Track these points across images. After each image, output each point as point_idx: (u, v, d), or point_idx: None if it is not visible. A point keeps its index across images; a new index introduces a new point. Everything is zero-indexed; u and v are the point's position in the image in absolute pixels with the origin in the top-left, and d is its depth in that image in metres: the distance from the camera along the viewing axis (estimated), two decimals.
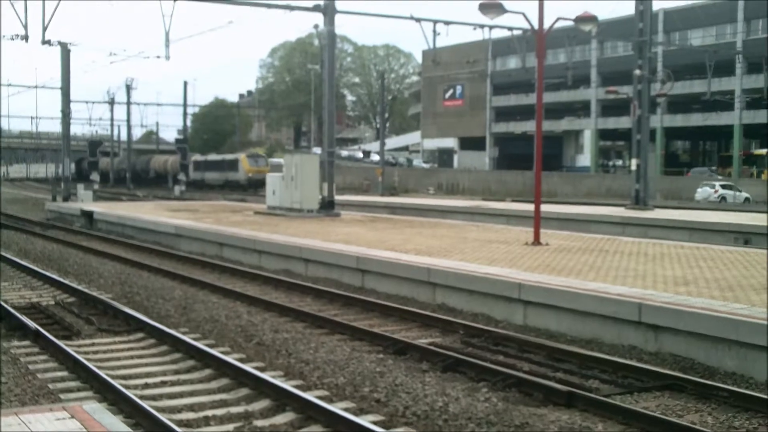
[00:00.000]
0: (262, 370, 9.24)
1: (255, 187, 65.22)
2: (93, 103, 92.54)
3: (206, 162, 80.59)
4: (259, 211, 30.50)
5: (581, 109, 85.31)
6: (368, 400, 8.21)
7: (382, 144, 67.35)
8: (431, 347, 10.29)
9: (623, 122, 67.44)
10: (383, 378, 8.93)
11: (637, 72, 34.78)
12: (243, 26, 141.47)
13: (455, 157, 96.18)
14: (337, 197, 32.14)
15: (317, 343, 10.73)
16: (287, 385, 8.34)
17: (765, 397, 8.14)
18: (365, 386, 8.64)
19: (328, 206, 28.74)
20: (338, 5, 29.08)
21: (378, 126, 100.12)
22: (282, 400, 8.07)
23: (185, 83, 78.50)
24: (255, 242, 19.68)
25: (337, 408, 7.61)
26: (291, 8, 29.23)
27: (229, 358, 9.44)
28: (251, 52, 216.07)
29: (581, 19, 20.45)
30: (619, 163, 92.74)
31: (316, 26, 33.57)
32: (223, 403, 8.14)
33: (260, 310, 13.23)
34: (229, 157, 78.50)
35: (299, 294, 14.95)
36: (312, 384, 8.84)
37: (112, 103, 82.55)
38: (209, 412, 7.78)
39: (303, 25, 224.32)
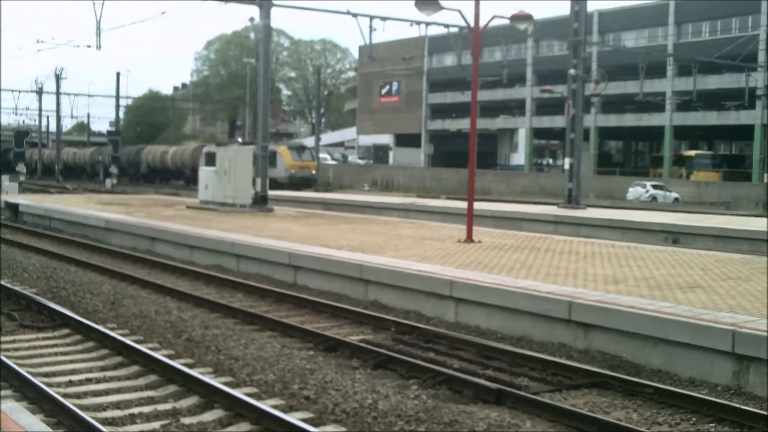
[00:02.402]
0: (191, 366, 9.11)
1: (299, 186, 54.22)
2: (19, 92, 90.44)
3: None
4: (192, 205, 30.17)
5: (516, 107, 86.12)
6: (298, 398, 8.15)
7: (318, 139, 67.36)
8: (362, 344, 10.26)
9: (558, 121, 68.26)
10: (313, 375, 8.88)
11: (572, 72, 35.17)
12: (178, 18, 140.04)
13: (391, 154, 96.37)
14: (271, 192, 31.95)
15: (248, 339, 10.63)
16: (216, 382, 8.24)
17: (688, 393, 8.30)
18: (295, 383, 8.57)
19: (261, 201, 28.55)
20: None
21: (313, 121, 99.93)
22: (210, 397, 7.96)
23: (118, 74, 77.12)
24: (186, 237, 19.44)
25: (265, 405, 7.53)
26: (226, 0, 28.95)
27: (157, 355, 9.29)
28: (186, 45, 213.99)
29: (517, 18, 20.57)
30: (555, 161, 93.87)
31: (251, 19, 33.25)
32: (151, 401, 8.00)
33: (191, 305, 13.06)
34: None
35: (230, 290, 14.81)
36: (241, 381, 8.75)
37: (40, 92, 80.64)
38: (135, 410, 7.63)
39: (239, 17, 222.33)
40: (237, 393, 7.87)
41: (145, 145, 77.70)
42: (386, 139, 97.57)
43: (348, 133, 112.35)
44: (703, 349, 9.09)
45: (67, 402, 7.42)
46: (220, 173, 28.07)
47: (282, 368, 9.14)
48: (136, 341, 10.14)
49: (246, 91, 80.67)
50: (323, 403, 7.94)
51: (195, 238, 19.10)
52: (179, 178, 66.96)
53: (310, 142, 76.23)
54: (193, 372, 8.60)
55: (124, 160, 73.00)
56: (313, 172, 59.33)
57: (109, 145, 70.82)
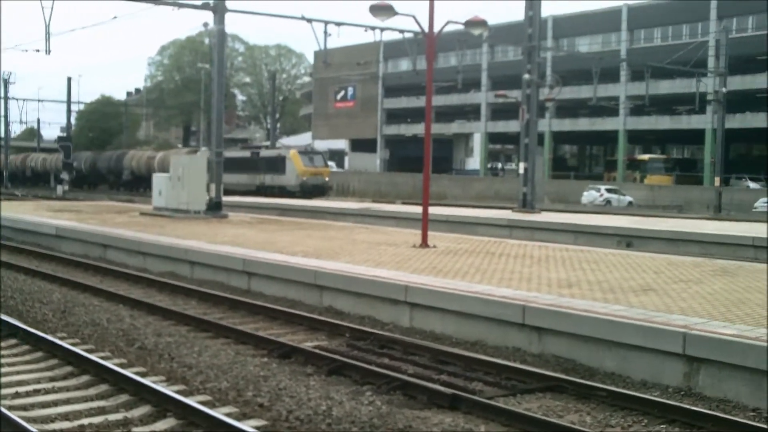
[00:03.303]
0: (143, 375, 8.98)
1: (310, 195, 49.62)
2: None
3: (225, 160, 64.60)
4: (146, 212, 29.87)
5: (472, 112, 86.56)
6: (251, 405, 8.07)
7: (273, 145, 66.95)
8: (317, 350, 10.21)
9: (512, 126, 68.72)
10: (267, 382, 8.82)
11: (526, 77, 35.42)
12: (130, 22, 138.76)
13: (346, 159, 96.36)
14: (226, 198, 31.76)
15: (201, 346, 10.53)
16: (169, 391, 8.13)
17: (640, 395, 8.36)
18: (249, 390, 8.50)
19: (215, 207, 28.35)
20: (229, 4, 28.74)
21: (269, 126, 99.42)
22: (163, 405, 7.85)
23: (69, 79, 76.08)
24: (140, 244, 19.23)
25: (219, 413, 7.45)
26: (180, 5, 28.73)
27: (108, 364, 9.14)
28: (140, 49, 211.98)
29: (471, 23, 20.65)
30: (510, 166, 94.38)
31: (206, 24, 33.15)
32: (101, 411, 7.86)
33: (143, 313, 12.91)
34: (268, 152, 58.13)
35: (184, 297, 14.66)
36: (194, 389, 8.64)
37: None
38: (85, 421, 7.50)
39: (193, 22, 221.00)
40: (190, 401, 7.77)
41: (127, 149, 74.35)
42: (342, 144, 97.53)
43: (303, 139, 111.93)
44: (655, 351, 9.17)
45: (12, 414, 7.25)
46: (174, 179, 27.84)
47: (236, 375, 9.06)
48: (86, 350, 9.98)
49: (200, 97, 79.99)
50: (277, 410, 7.88)
51: (148, 245, 18.90)
52: None
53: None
54: (146, 380, 8.48)
55: (103, 167, 69.62)
56: (327, 179, 55.28)
57: (60, 151, 69.46)
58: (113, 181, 68.01)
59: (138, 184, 63.80)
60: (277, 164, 54.36)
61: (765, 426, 7.52)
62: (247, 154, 58.78)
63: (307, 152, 56.13)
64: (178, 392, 8.20)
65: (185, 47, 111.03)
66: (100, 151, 76.48)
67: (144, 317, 12.53)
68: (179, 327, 11.93)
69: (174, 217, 27.05)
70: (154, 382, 8.49)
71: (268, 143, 71.05)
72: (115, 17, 67.93)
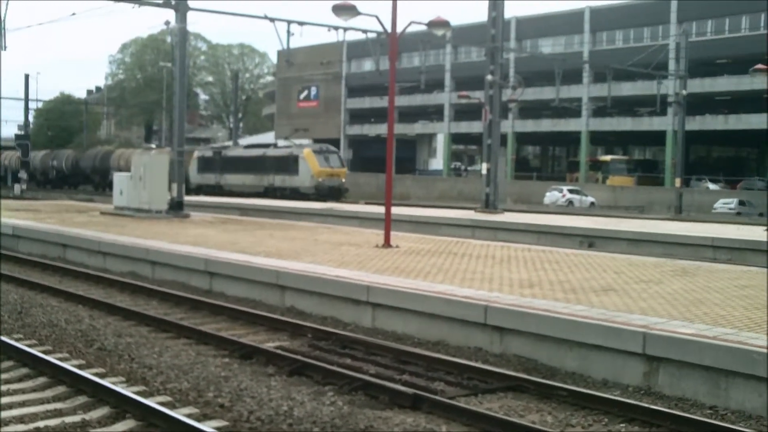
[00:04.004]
0: (102, 376, 8.87)
1: (326, 198, 46.70)
2: None
3: (228, 159, 56.32)
4: (106, 211, 29.58)
5: (435, 113, 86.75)
6: (212, 406, 8.01)
7: (236, 144, 66.58)
8: (278, 351, 10.16)
9: (475, 126, 68.84)
10: (228, 382, 8.76)
11: (489, 77, 35.58)
12: (90, 19, 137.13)
13: None
14: (187, 198, 31.54)
15: (162, 347, 10.44)
16: (128, 392, 8.04)
17: (601, 395, 8.41)
18: (209, 391, 8.44)
19: (177, 207, 28.15)
20: (191, 3, 28.52)
21: (231, 126, 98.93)
22: (122, 407, 7.77)
23: (27, 76, 75.15)
24: (100, 243, 19.03)
25: (179, 414, 7.38)
26: (141, 3, 28.49)
27: (66, 365, 9.02)
28: (100, 47, 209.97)
29: (434, 24, 20.71)
30: (473, 166, 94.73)
31: (167, 23, 32.90)
32: (58, 413, 7.75)
33: (103, 313, 12.77)
34: (278, 150, 53.64)
35: (145, 297, 14.54)
36: (155, 390, 8.55)
37: None
38: (41, 423, 7.38)
39: (155, 20, 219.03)
40: (150, 402, 7.69)
41: (114, 148, 70.98)
42: (305, 144, 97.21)
43: (266, 138, 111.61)
44: (616, 351, 9.23)
45: None
46: (135, 179, 27.59)
47: (197, 376, 9.00)
48: (43, 351, 9.85)
49: (162, 96, 79.35)
50: (238, 410, 7.83)
51: (108, 245, 18.71)
52: None
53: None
54: (104, 382, 8.38)
55: (87, 166, 66.26)
56: (343, 180, 51.46)
57: (17, 149, 68.01)
58: (98, 182, 64.72)
59: None
60: (289, 164, 50.59)
61: (722, 423, 7.60)
62: (253, 152, 55.30)
63: (322, 151, 51.72)
64: (137, 393, 8.11)
65: (147, 45, 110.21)
66: (82, 149, 73.56)
67: (104, 318, 12.39)
68: (140, 327, 11.82)
69: (135, 216, 26.82)
70: (113, 383, 8.39)
71: (230, 142, 70.58)
72: (73, 14, 67.09)
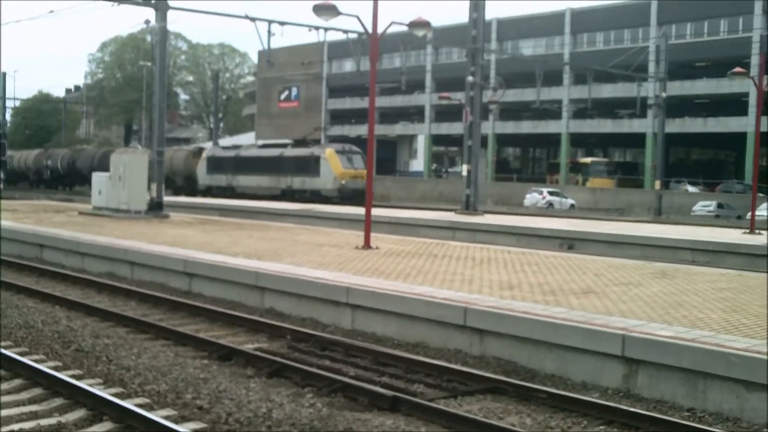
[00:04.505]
0: (79, 378, 8.80)
1: (350, 201, 43.32)
2: None
3: (241, 159, 52.83)
4: (84, 211, 29.39)
5: (416, 114, 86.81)
6: (190, 407, 7.96)
7: (215, 144, 66.37)
8: (257, 352, 10.12)
9: (456, 128, 68.99)
10: (207, 384, 8.71)
11: (470, 79, 35.62)
12: (69, 17, 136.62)
13: None
14: (167, 198, 31.40)
15: (140, 348, 10.37)
16: (105, 394, 7.98)
17: (580, 397, 8.42)
18: (188, 393, 8.38)
19: (156, 207, 28.01)
20: (171, 2, 28.40)
21: (211, 126, 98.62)
22: (99, 409, 7.71)
23: (4, 74, 74.68)
24: (78, 244, 18.90)
25: (157, 416, 7.33)
26: (120, 1, 28.32)
27: (42, 367, 8.94)
28: (79, 46, 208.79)
29: (415, 25, 20.70)
30: (454, 168, 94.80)
31: (147, 22, 32.73)
32: (33, 416, 7.66)
33: (81, 315, 12.68)
34: (297, 150, 49.15)
35: (123, 298, 14.45)
36: (132, 391, 8.49)
37: None
38: (16, 426, 7.29)
39: (135, 19, 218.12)
40: (127, 404, 7.64)
41: (112, 147, 68.54)
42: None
43: (246, 138, 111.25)
44: (595, 353, 9.24)
45: None
46: (115, 178, 27.44)
47: (175, 378, 8.94)
48: (19, 353, 9.75)
49: (142, 95, 78.98)
50: (216, 413, 7.78)
51: (87, 245, 18.59)
52: (167, 186, 56.38)
53: (208, 147, 71.28)
54: (81, 383, 8.31)
55: (84, 167, 63.88)
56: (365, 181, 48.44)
57: None
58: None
59: None
60: (309, 165, 47.06)
61: (699, 426, 7.63)
62: (269, 152, 51.39)
63: (345, 151, 48.10)
64: (115, 395, 8.06)
65: (127, 44, 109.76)
66: (77, 149, 71.21)
67: (81, 319, 12.30)
68: (118, 328, 11.75)
69: (114, 216, 26.67)
70: (90, 385, 8.32)
71: (209, 143, 70.24)
72: (51, 11, 66.43)
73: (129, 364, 9.48)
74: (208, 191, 52.97)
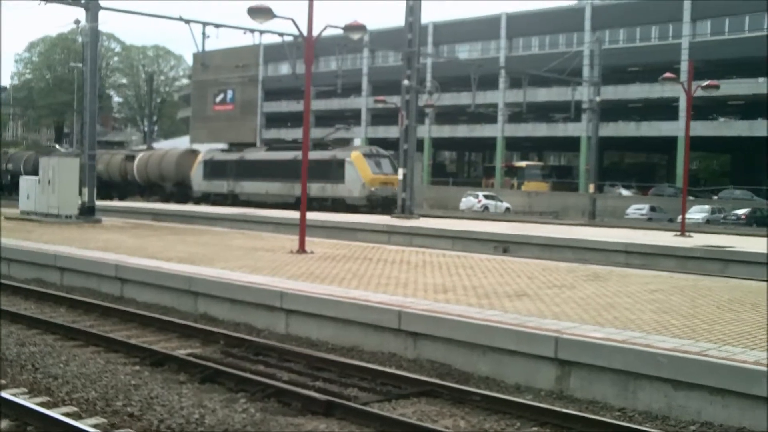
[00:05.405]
0: (1, 387, 8.57)
1: (378, 210, 39.40)
2: None
3: (246, 163, 47.18)
4: (11, 216, 28.70)
5: (352, 117, 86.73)
6: (121, 415, 7.81)
7: (149, 148, 65.58)
8: (190, 358, 9.97)
9: (392, 131, 69.15)
10: (138, 391, 8.57)
11: (406, 82, 35.72)
12: None
13: None
14: (100, 202, 30.89)
15: (69, 356, 10.15)
16: (30, 403, 7.78)
17: (513, 399, 8.46)
18: (119, 400, 8.23)
19: (88, 212, 27.53)
20: (102, 2, 27.98)
21: (146, 129, 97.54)
22: (23, 419, 7.52)
23: None
24: (2, 249, 18.44)
25: (85, 425, 7.17)
26: (48, 0, 27.77)
27: None
28: (5, 45, 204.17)
29: (350, 28, 20.66)
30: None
31: (77, 21, 32.15)
32: None
33: (6, 322, 12.33)
34: (317, 153, 40.27)
35: (52, 304, 14.14)
36: (60, 400, 8.30)
37: None
38: None
39: (65, 18, 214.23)
40: (53, 413, 7.46)
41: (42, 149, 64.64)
42: (221, 147, 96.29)
43: (181, 142, 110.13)
44: (529, 355, 9.29)
45: None
46: (44, 182, 26.91)
47: (105, 385, 8.77)
48: None
49: (74, 97, 77.64)
50: (148, 419, 7.65)
51: (11, 251, 18.15)
52: (154, 192, 51.53)
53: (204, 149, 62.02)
54: (4, 393, 8.09)
55: (14, 170, 57.77)
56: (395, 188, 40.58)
57: None
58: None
59: (110, 192, 51.56)
60: (331, 170, 41.25)
61: (629, 425, 7.71)
62: (281, 155, 45.19)
63: (373, 154, 42.79)
64: (40, 404, 7.87)
65: (56, 45, 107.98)
66: (4, 151, 66.45)
67: (6, 326, 11.97)
68: (45, 336, 11.48)
69: (43, 221, 26.16)
70: (13, 395, 8.11)
71: (143, 146, 69.42)
72: None
73: (57, 372, 9.28)
74: (205, 199, 48.48)
